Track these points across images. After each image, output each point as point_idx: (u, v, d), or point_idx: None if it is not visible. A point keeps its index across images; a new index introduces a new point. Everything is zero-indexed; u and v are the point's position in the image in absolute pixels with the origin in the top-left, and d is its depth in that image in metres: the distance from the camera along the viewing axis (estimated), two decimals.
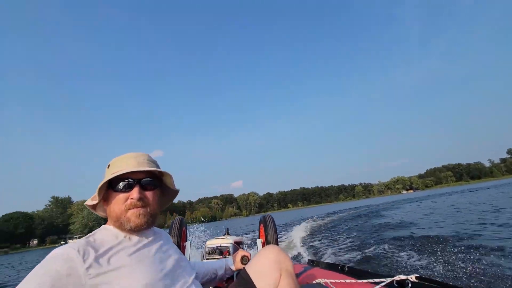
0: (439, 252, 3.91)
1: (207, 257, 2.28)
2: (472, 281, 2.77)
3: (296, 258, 5.36)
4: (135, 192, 0.76)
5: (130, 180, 0.77)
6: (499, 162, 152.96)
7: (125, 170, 0.76)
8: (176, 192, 0.92)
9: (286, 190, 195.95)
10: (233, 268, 1.22)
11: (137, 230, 0.77)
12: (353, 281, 1.16)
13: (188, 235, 2.44)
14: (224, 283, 1.49)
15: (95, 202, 0.79)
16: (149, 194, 0.79)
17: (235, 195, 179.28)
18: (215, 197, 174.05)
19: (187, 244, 2.16)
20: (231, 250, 2.29)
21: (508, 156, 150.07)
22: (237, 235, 2.72)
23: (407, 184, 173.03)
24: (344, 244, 5.94)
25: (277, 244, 2.12)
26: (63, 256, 0.64)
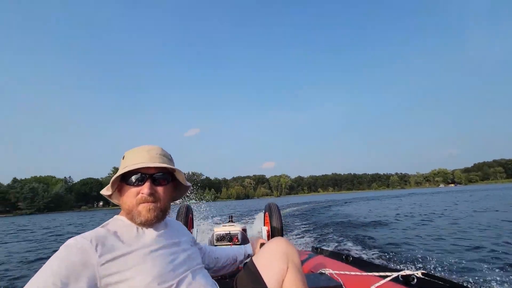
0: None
1: (215, 244, 2.34)
2: (477, 277, 2.74)
3: (300, 246, 5.35)
4: (146, 187, 0.77)
5: (142, 174, 0.78)
6: None
7: (138, 165, 0.77)
8: (187, 187, 0.92)
9: (317, 175, 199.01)
10: (253, 255, 1.23)
11: (147, 224, 0.78)
12: (358, 273, 1.16)
13: (194, 221, 2.48)
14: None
15: (109, 192, 0.81)
16: (160, 189, 0.80)
17: (267, 176, 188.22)
18: (248, 177, 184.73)
19: (194, 231, 2.27)
20: (239, 237, 2.40)
21: None
22: (240, 223, 2.88)
23: (449, 177, 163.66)
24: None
25: (282, 232, 2.27)
26: (77, 246, 0.66)
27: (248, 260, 1.07)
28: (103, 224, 0.78)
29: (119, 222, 0.79)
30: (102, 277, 0.66)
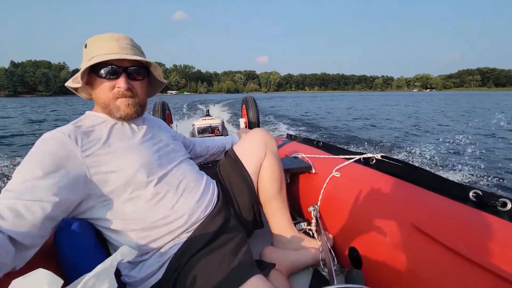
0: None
1: (198, 136, 2.43)
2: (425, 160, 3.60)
3: (274, 133, 6.17)
4: (122, 82, 0.70)
5: (115, 67, 0.70)
6: None
7: (109, 55, 0.68)
8: (163, 84, 0.88)
9: (307, 73, 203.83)
10: None
11: (127, 118, 0.75)
12: (326, 156, 1.26)
13: (172, 117, 2.53)
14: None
15: (78, 85, 0.72)
16: (136, 84, 0.74)
17: (258, 72, 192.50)
18: (239, 72, 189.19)
19: (173, 126, 2.22)
20: (220, 128, 2.55)
21: None
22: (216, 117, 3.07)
23: (429, 82, 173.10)
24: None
25: (259, 123, 2.28)
26: (56, 140, 0.62)
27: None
28: (75, 121, 0.72)
29: (94, 117, 0.74)
30: (89, 166, 0.63)
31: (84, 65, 0.68)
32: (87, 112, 0.77)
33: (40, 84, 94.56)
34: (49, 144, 0.62)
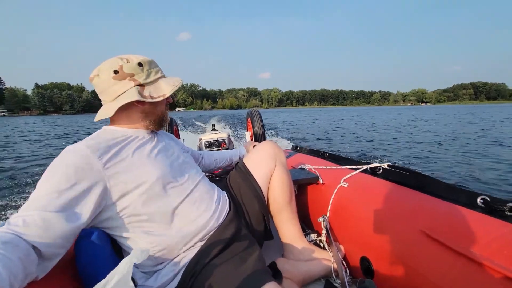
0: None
1: (205, 150, 2.35)
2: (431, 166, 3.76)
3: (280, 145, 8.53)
4: (169, 97, 0.81)
5: None
6: None
7: (175, 86, 0.80)
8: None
9: (307, 90, 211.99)
10: None
11: (160, 127, 0.84)
12: (333, 166, 1.25)
13: (179, 132, 2.65)
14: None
15: (156, 100, 0.77)
16: None
17: (260, 89, 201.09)
18: (242, 89, 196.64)
19: (181, 141, 2.20)
20: (226, 142, 2.58)
21: None
22: (222, 131, 3.12)
23: (425, 97, 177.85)
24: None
25: (264, 136, 2.28)
26: (78, 152, 0.64)
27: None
28: (95, 134, 0.75)
29: (112, 131, 0.77)
30: (110, 178, 0.65)
31: (168, 90, 0.78)
32: (104, 127, 0.80)
33: (66, 103, 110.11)
34: (71, 156, 0.63)
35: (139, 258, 0.40)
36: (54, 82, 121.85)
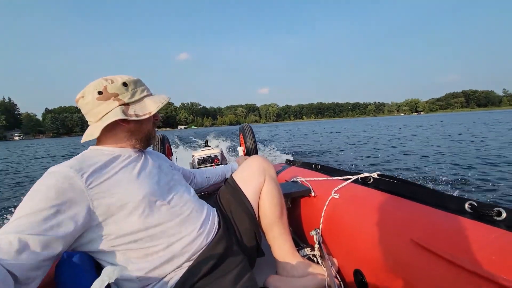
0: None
1: (198, 166, 2.46)
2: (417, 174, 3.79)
3: (275, 161, 6.03)
4: (157, 115, 0.83)
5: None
6: None
7: (161, 104, 0.80)
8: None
9: (304, 104, 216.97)
10: None
11: (147, 145, 0.83)
12: (325, 178, 1.25)
13: (172, 149, 2.62)
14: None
15: (144, 117, 0.77)
16: None
17: (258, 105, 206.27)
18: (240, 106, 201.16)
19: (173, 159, 2.30)
20: (219, 158, 2.58)
21: None
22: (215, 147, 3.07)
23: (418, 106, 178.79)
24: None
25: (256, 151, 2.29)
26: (60, 174, 0.62)
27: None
28: (79, 155, 0.74)
29: (98, 151, 0.76)
30: (93, 199, 0.64)
31: (154, 107, 0.78)
32: (90, 147, 0.80)
33: (77, 126, 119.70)
34: (53, 177, 0.62)
35: (111, 277, 0.37)
36: (63, 106, 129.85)
